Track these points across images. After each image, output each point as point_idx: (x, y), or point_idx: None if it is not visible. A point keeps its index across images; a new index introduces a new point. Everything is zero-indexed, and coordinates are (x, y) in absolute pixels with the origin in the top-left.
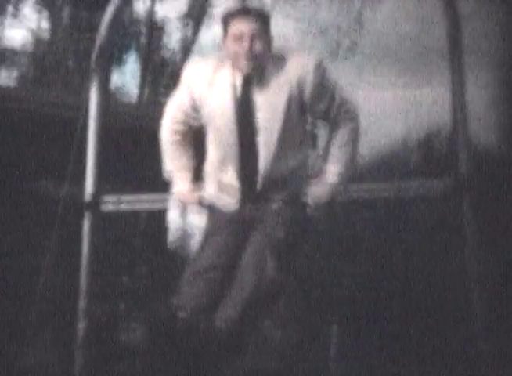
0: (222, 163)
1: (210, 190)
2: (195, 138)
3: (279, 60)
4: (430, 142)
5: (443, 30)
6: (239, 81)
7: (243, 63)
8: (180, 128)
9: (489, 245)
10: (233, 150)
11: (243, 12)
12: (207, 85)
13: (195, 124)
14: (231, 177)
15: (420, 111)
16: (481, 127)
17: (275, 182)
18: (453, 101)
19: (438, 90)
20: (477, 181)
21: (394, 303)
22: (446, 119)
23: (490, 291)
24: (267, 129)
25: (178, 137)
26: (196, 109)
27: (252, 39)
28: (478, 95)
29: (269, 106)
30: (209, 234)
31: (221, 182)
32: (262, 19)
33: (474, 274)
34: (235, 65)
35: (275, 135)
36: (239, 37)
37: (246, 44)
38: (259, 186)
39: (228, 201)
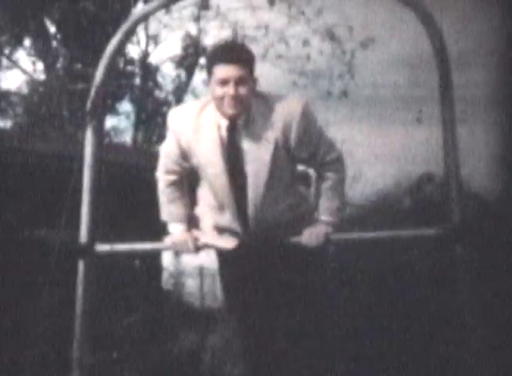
0: (219, 208)
1: (207, 234)
2: (190, 182)
3: (266, 104)
4: (422, 189)
5: (434, 76)
6: (224, 126)
7: (228, 108)
8: (172, 176)
9: (483, 293)
10: (228, 198)
11: (228, 57)
12: (192, 132)
13: (187, 169)
14: (229, 221)
15: (411, 157)
16: (475, 172)
17: (271, 223)
18: (445, 147)
19: (429, 136)
20: (471, 228)
21: (387, 349)
22: (438, 165)
23: (485, 340)
24: (255, 174)
25: (172, 186)
26: (185, 157)
27: (237, 84)
28: (471, 140)
29: (256, 151)
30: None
31: (219, 226)
32: (247, 62)
33: (469, 323)
34: (220, 109)
35: (264, 179)
36: (223, 82)
37: (231, 89)
38: (257, 228)
39: (228, 244)
